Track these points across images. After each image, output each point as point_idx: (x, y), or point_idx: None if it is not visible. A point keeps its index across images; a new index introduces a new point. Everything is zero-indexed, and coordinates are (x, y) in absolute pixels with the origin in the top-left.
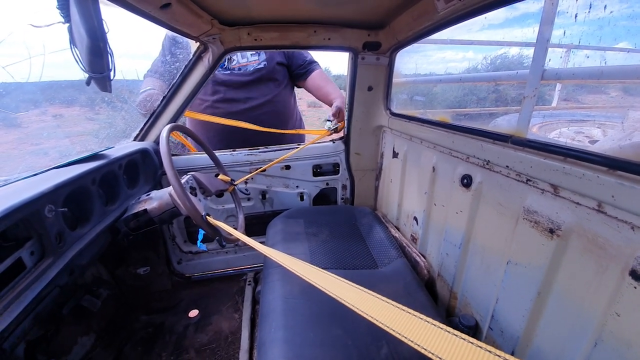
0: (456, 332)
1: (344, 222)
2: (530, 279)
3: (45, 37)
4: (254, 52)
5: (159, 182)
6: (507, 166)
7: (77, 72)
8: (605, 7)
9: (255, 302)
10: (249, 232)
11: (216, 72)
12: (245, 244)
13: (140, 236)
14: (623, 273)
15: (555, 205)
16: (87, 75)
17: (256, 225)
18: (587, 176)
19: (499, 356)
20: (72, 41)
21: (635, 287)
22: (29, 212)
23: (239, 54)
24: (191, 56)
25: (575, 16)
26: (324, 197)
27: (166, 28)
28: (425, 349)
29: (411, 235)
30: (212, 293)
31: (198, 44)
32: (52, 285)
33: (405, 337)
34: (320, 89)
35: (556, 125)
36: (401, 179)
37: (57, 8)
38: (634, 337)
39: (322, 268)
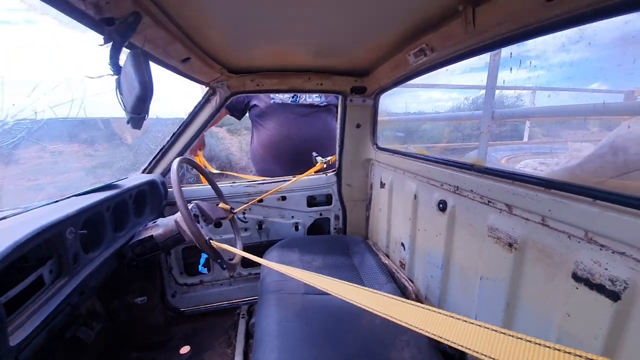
0: (452, 314)
1: (336, 251)
2: (499, 291)
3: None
4: (317, 95)
5: (162, 212)
6: (472, 190)
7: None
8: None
9: (248, 335)
10: (245, 262)
11: (290, 102)
12: (240, 276)
13: (140, 264)
14: (567, 277)
15: (510, 221)
16: (127, 116)
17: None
18: (529, 195)
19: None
20: (119, 89)
21: (577, 288)
22: (54, 232)
23: (305, 94)
24: (201, 98)
25: (511, 69)
26: (318, 227)
27: (184, 77)
28: (427, 332)
29: (400, 261)
30: (205, 328)
31: (207, 88)
32: (65, 303)
33: (409, 324)
34: None
35: (522, 157)
36: (388, 208)
37: (109, 64)
38: (582, 333)
39: (316, 294)
